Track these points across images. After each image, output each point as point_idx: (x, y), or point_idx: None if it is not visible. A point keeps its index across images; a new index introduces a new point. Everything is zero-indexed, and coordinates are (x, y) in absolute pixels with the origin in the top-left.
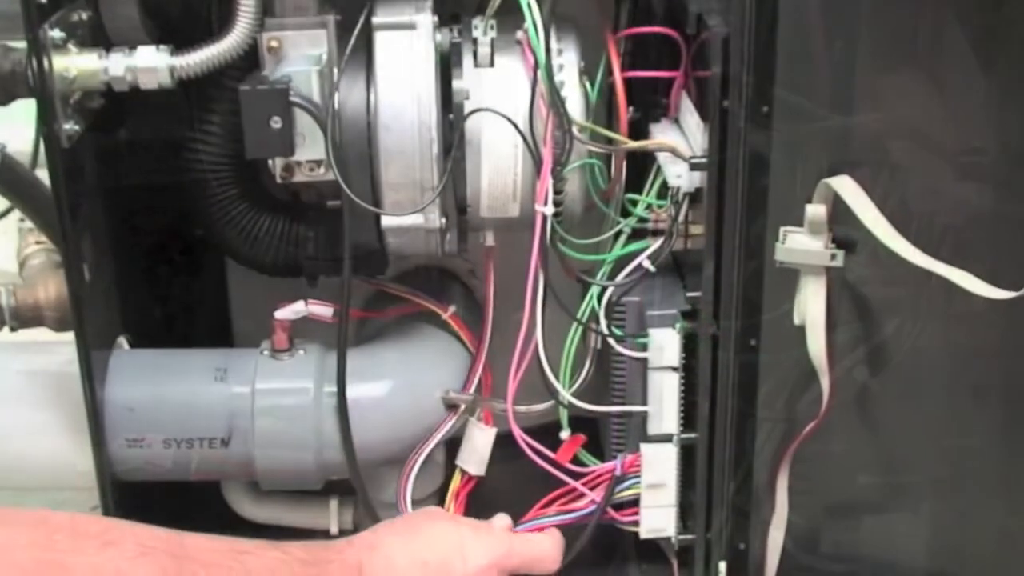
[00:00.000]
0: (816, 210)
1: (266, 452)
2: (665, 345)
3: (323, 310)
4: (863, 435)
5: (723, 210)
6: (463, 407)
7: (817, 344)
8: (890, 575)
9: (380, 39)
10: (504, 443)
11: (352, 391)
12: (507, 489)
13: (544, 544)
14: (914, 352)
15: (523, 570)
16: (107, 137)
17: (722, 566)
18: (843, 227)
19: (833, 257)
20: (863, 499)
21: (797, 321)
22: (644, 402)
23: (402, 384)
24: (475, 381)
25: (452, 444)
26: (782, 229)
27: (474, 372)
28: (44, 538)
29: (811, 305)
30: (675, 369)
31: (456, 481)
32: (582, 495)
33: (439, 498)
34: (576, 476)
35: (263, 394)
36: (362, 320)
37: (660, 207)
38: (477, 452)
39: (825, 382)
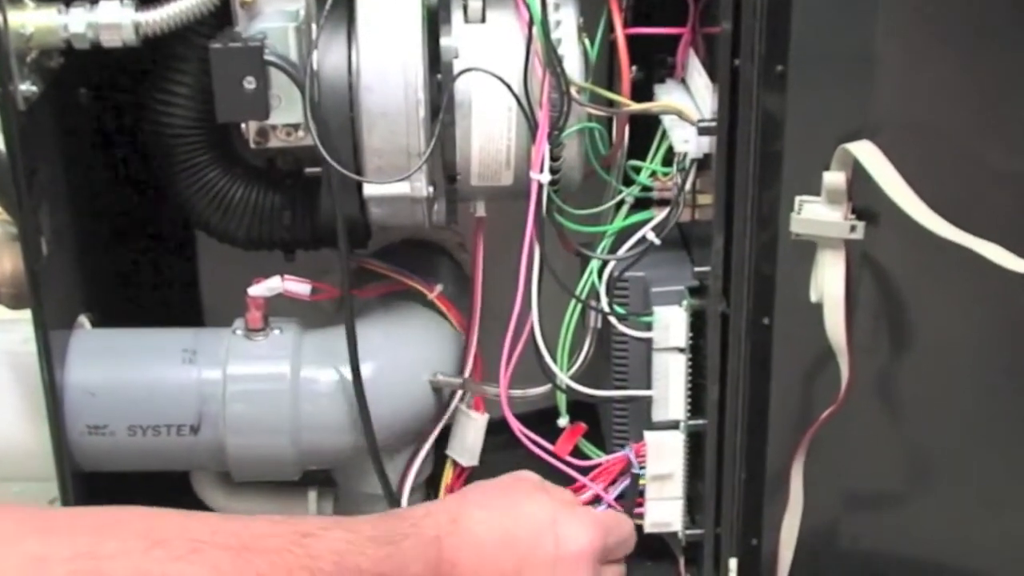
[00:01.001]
0: (834, 178)
1: (239, 440)
2: (671, 324)
3: (300, 287)
4: (885, 421)
5: (733, 178)
6: (461, 392)
7: (835, 323)
8: (915, 573)
9: None
10: (500, 429)
11: (330, 374)
12: None
13: (629, 523)
14: (940, 331)
15: (613, 553)
16: (67, 99)
17: (732, 563)
18: (864, 196)
19: (853, 229)
20: (885, 490)
21: (814, 298)
22: (648, 386)
23: (387, 367)
24: (468, 364)
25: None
26: (797, 199)
27: (467, 354)
28: (87, 545)
29: (829, 281)
30: (682, 350)
31: (449, 474)
32: (584, 485)
33: (427, 488)
34: (580, 469)
35: (236, 377)
36: (342, 297)
37: (665, 175)
38: (468, 442)
39: (844, 364)
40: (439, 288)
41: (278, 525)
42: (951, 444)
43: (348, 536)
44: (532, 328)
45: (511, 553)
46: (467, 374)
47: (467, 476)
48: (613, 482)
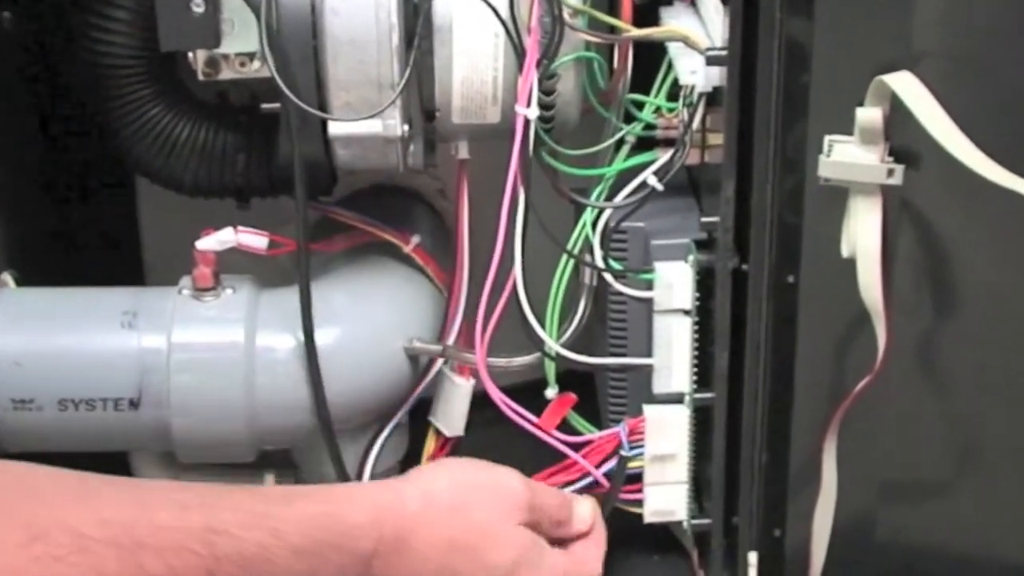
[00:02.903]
0: (869, 115)
1: (185, 416)
2: (674, 282)
3: (256, 239)
4: (928, 393)
5: (750, 115)
6: (441, 361)
7: (870, 280)
8: (962, 568)
9: None
10: (484, 403)
11: (289, 340)
12: (490, 457)
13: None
14: (990, 289)
15: None
16: None
17: (752, 556)
18: (903, 136)
19: (890, 173)
20: (929, 473)
21: (846, 252)
22: (649, 353)
23: (353, 332)
24: (452, 329)
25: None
26: (827, 138)
27: (450, 318)
28: None
29: (863, 232)
30: (687, 312)
31: (431, 444)
32: (574, 465)
33: (404, 467)
34: (568, 446)
35: (182, 344)
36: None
37: (671, 111)
38: (452, 410)
39: (880, 328)
40: (416, 239)
41: (188, 514)
42: (1003, 420)
43: (267, 541)
44: (516, 287)
45: None
46: (451, 340)
47: (451, 447)
48: (604, 462)
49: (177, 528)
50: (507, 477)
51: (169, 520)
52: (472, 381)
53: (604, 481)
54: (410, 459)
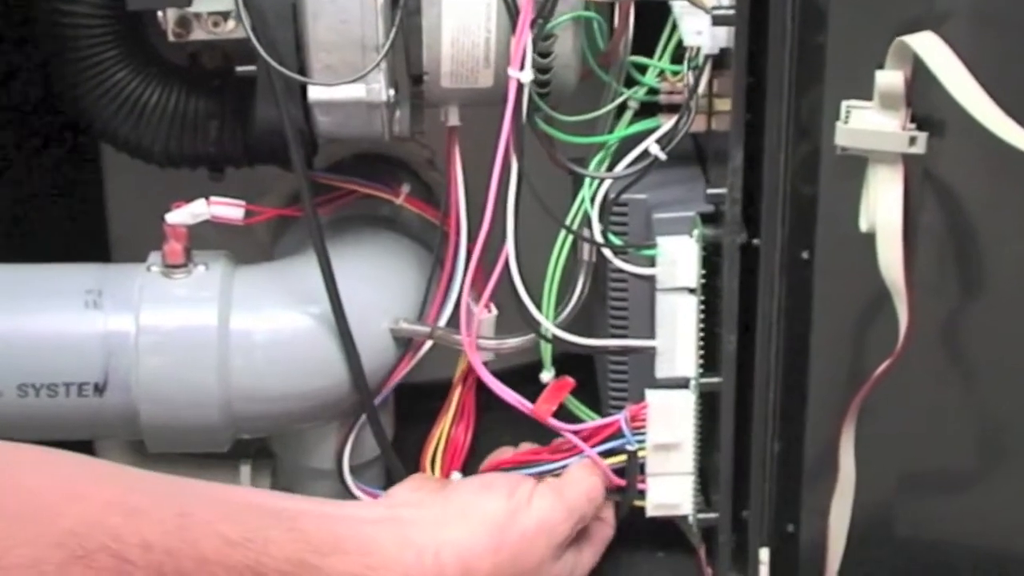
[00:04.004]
0: (890, 78)
1: (154, 402)
2: (679, 258)
3: (231, 211)
4: (953, 378)
5: (759, 78)
6: (423, 343)
7: (891, 257)
8: (987, 564)
9: None
10: (478, 388)
11: (267, 321)
12: (487, 443)
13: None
14: (1019, 267)
15: None
16: None
17: (763, 553)
18: (926, 101)
19: (912, 141)
20: (954, 464)
21: (864, 227)
22: (651, 335)
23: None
24: (445, 310)
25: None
26: (844, 104)
27: (441, 295)
28: None
29: (883, 205)
30: (692, 291)
31: (463, 363)
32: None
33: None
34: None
35: (150, 325)
36: (280, 223)
37: (675, 75)
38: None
39: (902, 307)
40: (407, 188)
41: (232, 551)
42: None
43: None
44: (508, 263)
45: None
46: (443, 322)
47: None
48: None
49: (219, 564)
50: (549, 512)
51: (212, 555)
52: (496, 313)
53: (597, 459)
54: (401, 448)
